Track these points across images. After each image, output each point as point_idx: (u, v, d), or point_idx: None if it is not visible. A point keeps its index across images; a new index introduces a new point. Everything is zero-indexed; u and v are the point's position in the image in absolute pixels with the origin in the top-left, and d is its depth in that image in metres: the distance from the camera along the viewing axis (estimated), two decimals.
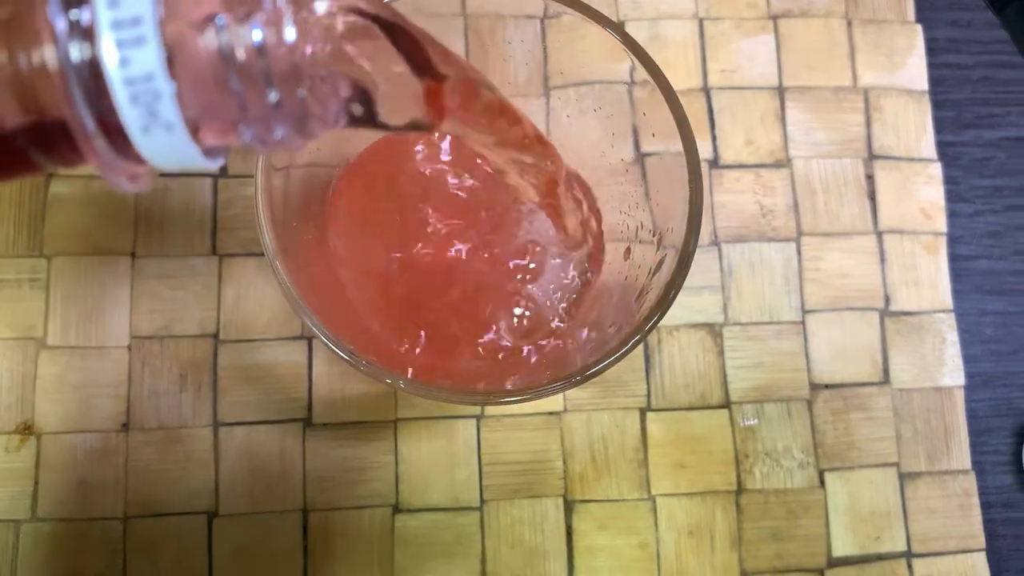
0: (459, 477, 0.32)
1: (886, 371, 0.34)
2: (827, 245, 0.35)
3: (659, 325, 0.33)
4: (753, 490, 0.33)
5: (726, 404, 0.34)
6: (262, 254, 0.32)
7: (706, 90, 0.36)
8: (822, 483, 0.33)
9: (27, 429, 0.32)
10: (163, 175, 0.33)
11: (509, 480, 0.32)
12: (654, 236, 0.25)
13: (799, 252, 0.35)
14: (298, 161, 0.26)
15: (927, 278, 0.35)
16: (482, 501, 0.32)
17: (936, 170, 0.36)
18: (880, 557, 0.33)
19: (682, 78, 0.36)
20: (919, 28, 0.37)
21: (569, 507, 0.32)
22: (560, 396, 0.33)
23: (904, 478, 0.33)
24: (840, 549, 0.33)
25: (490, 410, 0.33)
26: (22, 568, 0.31)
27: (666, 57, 0.36)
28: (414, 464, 0.32)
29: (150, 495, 0.31)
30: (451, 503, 0.32)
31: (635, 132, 0.28)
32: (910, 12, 0.38)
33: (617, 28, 0.24)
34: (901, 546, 0.33)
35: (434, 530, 0.32)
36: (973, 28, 0.38)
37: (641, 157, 0.28)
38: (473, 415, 0.33)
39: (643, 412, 0.33)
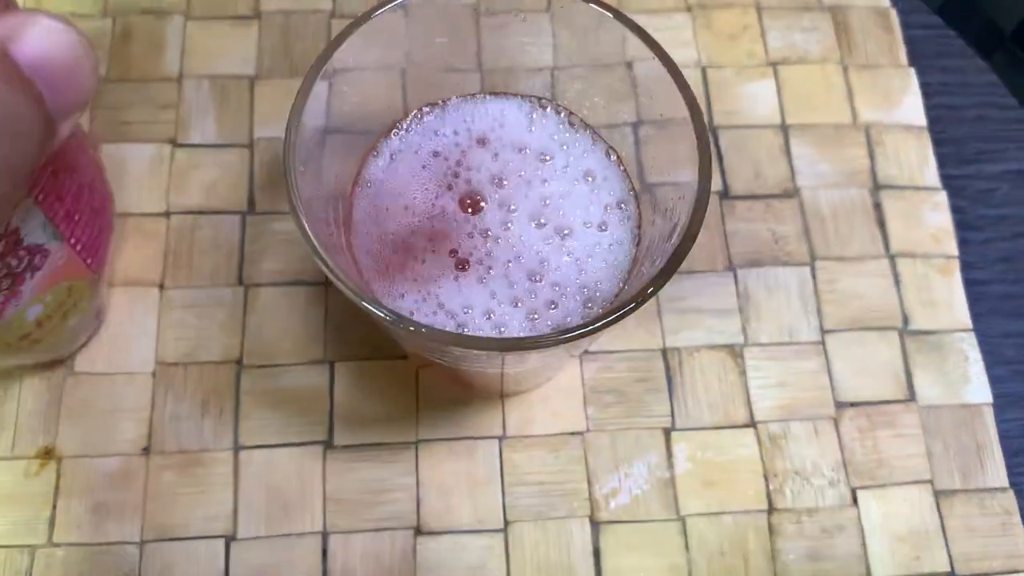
0: (481, 498, 0.32)
1: (911, 388, 0.34)
2: (841, 269, 0.36)
3: (680, 347, 0.33)
4: (784, 509, 0.32)
5: (751, 423, 0.33)
6: (287, 283, 0.33)
7: (712, 129, 0.38)
8: (855, 501, 0.32)
9: (48, 453, 0.32)
10: (191, 212, 0.34)
11: (533, 501, 0.32)
12: (667, 213, 0.25)
13: (814, 276, 0.35)
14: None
15: (943, 299, 0.35)
16: (506, 523, 0.31)
17: (942, 198, 0.37)
18: None
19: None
20: (912, 71, 0.39)
21: (596, 528, 0.31)
22: (582, 416, 0.33)
23: (939, 495, 0.32)
24: (880, 570, 0.31)
25: (512, 430, 0.33)
26: None
27: None
28: (435, 486, 0.32)
29: (168, 519, 0.31)
30: (474, 525, 0.31)
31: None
32: (902, 57, 0.40)
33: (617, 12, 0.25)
34: (944, 566, 0.31)
35: (457, 553, 0.31)
36: (965, 73, 0.40)
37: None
38: (495, 436, 0.33)
39: (667, 432, 0.33)
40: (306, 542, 0.31)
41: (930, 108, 0.39)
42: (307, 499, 0.31)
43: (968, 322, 0.35)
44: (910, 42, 0.40)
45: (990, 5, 0.40)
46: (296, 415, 0.32)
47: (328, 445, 0.32)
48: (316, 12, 0.39)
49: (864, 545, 0.32)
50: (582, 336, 0.22)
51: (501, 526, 0.31)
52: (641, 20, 0.26)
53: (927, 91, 0.39)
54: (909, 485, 0.33)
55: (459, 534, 0.31)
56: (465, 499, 0.32)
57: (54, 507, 0.31)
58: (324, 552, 0.31)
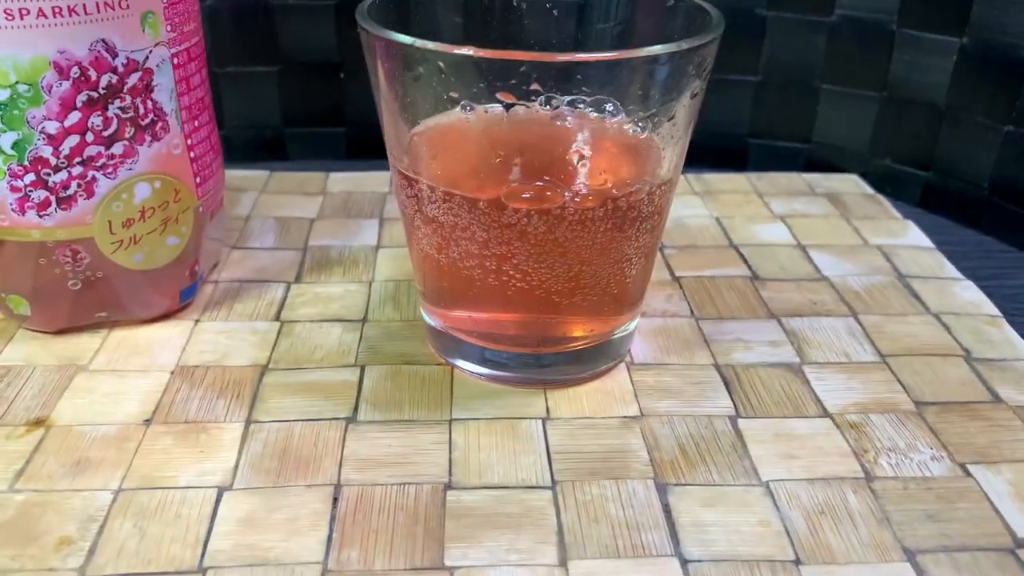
0: (523, 463, 0.27)
1: (994, 394, 0.31)
2: (885, 320, 0.35)
3: (734, 364, 0.32)
4: (886, 477, 0.27)
5: (826, 414, 0.30)
6: (324, 320, 0.34)
7: (733, 246, 0.40)
8: (968, 474, 0.27)
9: (38, 423, 0.28)
10: (238, 281, 0.36)
11: (585, 465, 0.27)
12: None
13: (859, 323, 0.35)
14: None
15: (1001, 340, 0.34)
16: (554, 482, 0.26)
17: (970, 284, 0.38)
18: None
19: (709, 241, 0.41)
20: (910, 222, 0.43)
21: (662, 489, 0.26)
22: (635, 405, 0.29)
23: None
24: None
25: (557, 411, 0.29)
26: None
27: (691, 235, 0.41)
28: (471, 452, 0.27)
29: (154, 472, 0.26)
30: (515, 483, 0.26)
31: None
32: (898, 215, 0.44)
33: None
34: None
35: (497, 504, 0.25)
36: (960, 234, 0.44)
37: None
38: (538, 417, 0.29)
39: (733, 419, 0.29)
40: (313, 492, 0.26)
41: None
42: (321, 459, 0.27)
43: None
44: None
45: (960, 178, 0.46)
46: (319, 400, 0.29)
47: (351, 420, 0.29)
48: (373, 195, 0.45)
49: (995, 508, 0.26)
50: (632, 59, 0.23)
51: (549, 484, 0.26)
52: None
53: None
54: None
55: (498, 489, 0.26)
56: (504, 463, 0.27)
57: (27, 461, 0.27)
58: (335, 501, 0.25)
